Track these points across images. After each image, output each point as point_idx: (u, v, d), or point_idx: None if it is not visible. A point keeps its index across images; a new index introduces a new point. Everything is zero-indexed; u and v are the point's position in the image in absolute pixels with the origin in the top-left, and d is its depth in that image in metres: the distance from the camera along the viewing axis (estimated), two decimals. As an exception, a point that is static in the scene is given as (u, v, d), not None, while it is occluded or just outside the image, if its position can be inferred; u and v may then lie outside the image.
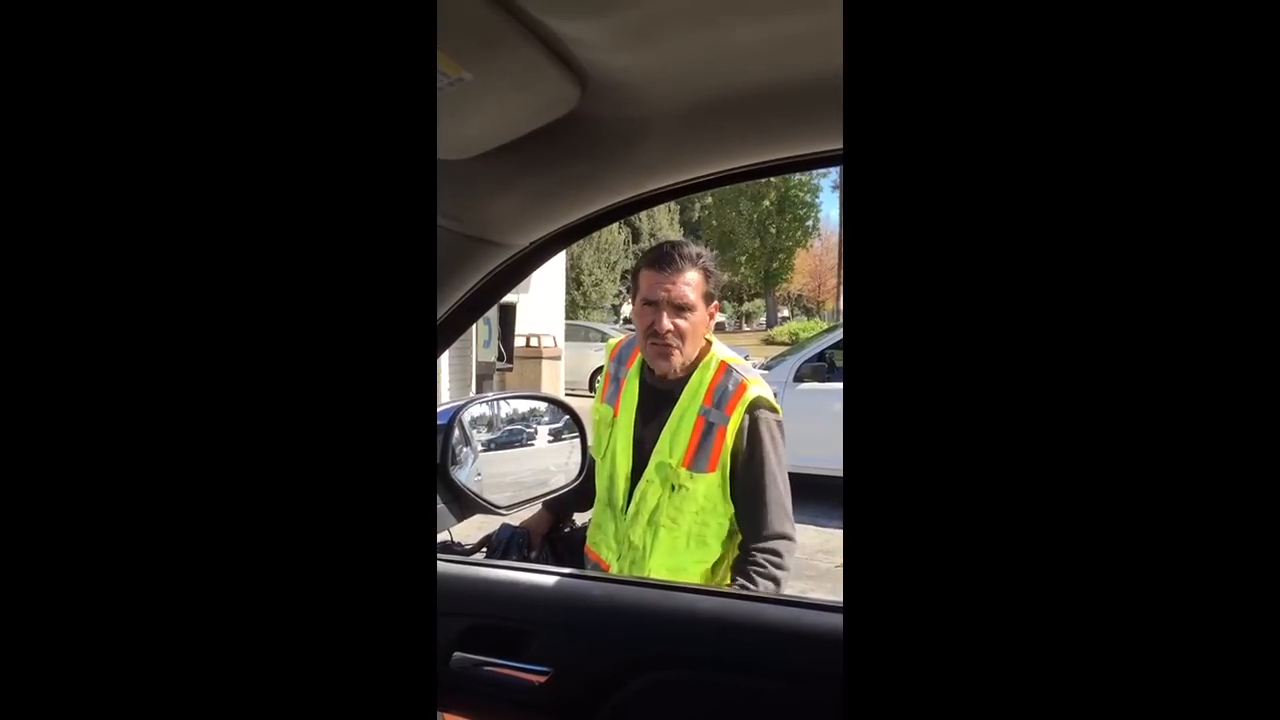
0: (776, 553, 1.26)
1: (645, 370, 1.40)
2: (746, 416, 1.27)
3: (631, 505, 1.33)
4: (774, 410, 1.30)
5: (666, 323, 1.29)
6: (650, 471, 1.31)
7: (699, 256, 1.33)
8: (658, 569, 1.29)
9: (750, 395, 1.28)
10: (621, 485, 1.35)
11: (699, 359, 1.34)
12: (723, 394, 1.29)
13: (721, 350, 1.36)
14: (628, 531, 1.33)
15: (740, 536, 1.30)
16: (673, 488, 1.29)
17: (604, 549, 1.38)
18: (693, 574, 1.29)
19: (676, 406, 1.31)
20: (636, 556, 1.31)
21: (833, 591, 3.34)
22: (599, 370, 1.56)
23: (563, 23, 0.48)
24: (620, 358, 1.46)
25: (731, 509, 1.28)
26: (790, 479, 1.32)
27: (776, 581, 1.24)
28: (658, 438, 1.31)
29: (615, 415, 1.40)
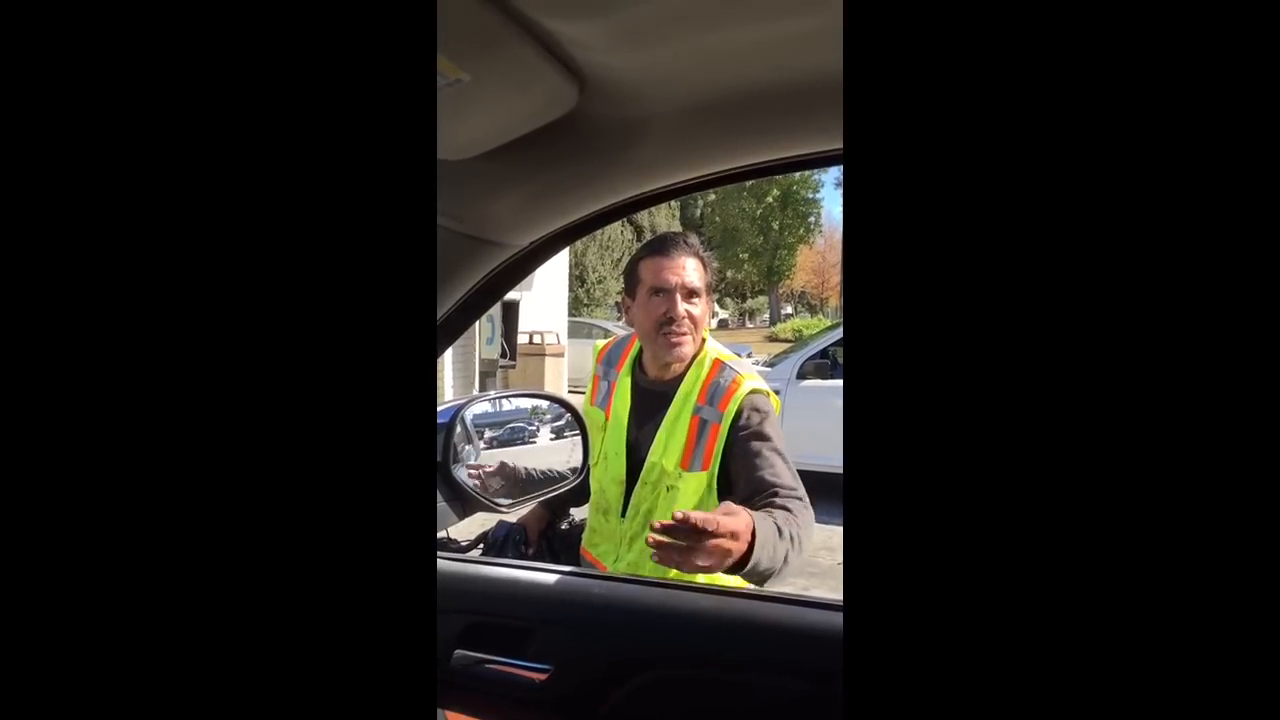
0: (791, 508, 1.11)
1: (637, 372, 1.36)
2: (740, 408, 1.22)
3: (629, 509, 1.29)
4: (770, 403, 1.26)
5: (681, 308, 1.24)
6: (645, 474, 1.27)
7: (696, 246, 1.30)
8: (656, 572, 1.24)
9: (744, 389, 1.24)
10: (615, 490, 1.32)
11: (694, 356, 1.30)
12: (716, 390, 1.24)
13: (715, 347, 1.32)
14: (625, 535, 1.30)
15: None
16: (666, 489, 1.25)
17: (600, 553, 1.35)
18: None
19: (670, 408, 1.26)
20: (634, 560, 1.28)
21: (835, 589, 3.33)
22: (601, 368, 1.52)
23: (561, 23, 0.48)
24: (609, 360, 1.41)
25: (718, 501, 1.21)
26: None
27: (794, 539, 1.05)
28: (653, 440, 1.27)
29: (606, 419, 1.36)
